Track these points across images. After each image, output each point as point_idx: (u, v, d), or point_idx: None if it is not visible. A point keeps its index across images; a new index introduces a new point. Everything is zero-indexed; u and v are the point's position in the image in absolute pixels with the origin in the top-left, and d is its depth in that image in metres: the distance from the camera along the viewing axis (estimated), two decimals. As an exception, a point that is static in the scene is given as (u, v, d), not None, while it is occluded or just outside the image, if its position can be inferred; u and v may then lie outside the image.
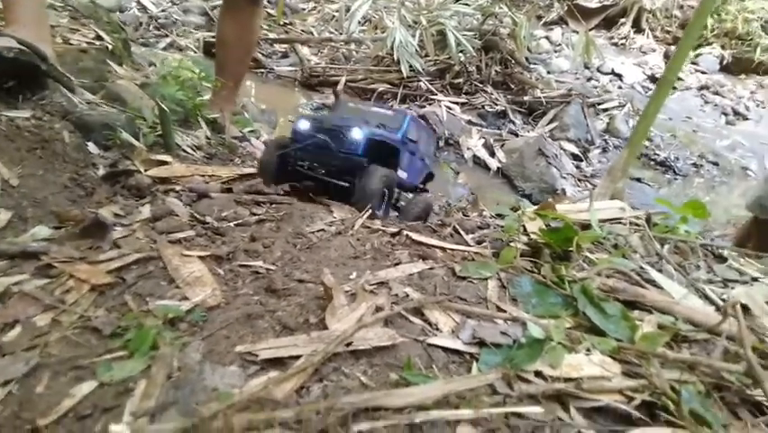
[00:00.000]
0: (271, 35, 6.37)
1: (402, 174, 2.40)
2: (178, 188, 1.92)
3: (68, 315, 1.09)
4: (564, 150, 4.87)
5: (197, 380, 0.91)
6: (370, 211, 1.94)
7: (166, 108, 2.19)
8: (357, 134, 2.04)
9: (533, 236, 1.55)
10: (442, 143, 4.60)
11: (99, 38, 3.10)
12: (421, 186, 2.84)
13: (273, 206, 1.87)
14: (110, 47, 3.04)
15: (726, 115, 7.29)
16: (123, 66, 2.97)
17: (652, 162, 5.23)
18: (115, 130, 1.99)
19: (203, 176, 2.12)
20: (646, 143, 5.28)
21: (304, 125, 2.14)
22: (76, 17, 3.29)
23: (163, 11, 6.01)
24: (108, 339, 1.03)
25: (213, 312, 1.15)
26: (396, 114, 2.50)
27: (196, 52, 5.00)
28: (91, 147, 1.94)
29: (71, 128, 1.91)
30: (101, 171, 1.86)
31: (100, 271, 1.24)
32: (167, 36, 5.39)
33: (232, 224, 1.66)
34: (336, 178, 2.15)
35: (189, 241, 1.49)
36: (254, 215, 1.76)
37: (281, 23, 6.79)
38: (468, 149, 4.61)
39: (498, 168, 4.44)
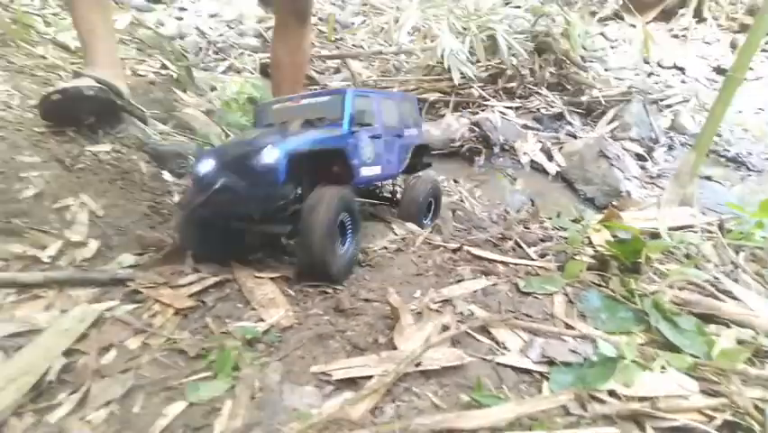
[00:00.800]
0: (323, 52, 6.51)
1: (370, 171, 1.82)
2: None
3: (156, 338, 1.18)
4: (627, 150, 4.69)
5: (278, 400, 0.96)
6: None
7: (231, 135, 2.31)
8: (270, 156, 1.43)
9: (599, 248, 1.52)
10: (497, 150, 4.54)
11: (164, 67, 3.31)
12: (422, 163, 2.29)
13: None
14: (175, 75, 3.23)
15: (803, 104, 6.79)
16: (187, 92, 3.15)
17: (722, 159, 4.94)
18: (187, 158, 2.13)
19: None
20: (715, 139, 5.00)
21: (205, 167, 1.53)
22: (142, 49, 3.52)
23: (221, 35, 6.27)
24: (194, 360, 1.11)
25: (287, 333, 1.21)
26: (333, 96, 1.81)
27: (253, 73, 5.17)
28: (166, 175, 2.07)
29: (147, 158, 2.05)
30: (176, 198, 1.98)
31: (182, 295, 1.33)
32: (225, 60, 5.61)
33: (298, 243, 1.72)
34: (272, 224, 1.55)
35: (260, 262, 1.57)
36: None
37: (332, 39, 6.93)
38: (524, 154, 4.52)
39: (558, 172, 4.32)
